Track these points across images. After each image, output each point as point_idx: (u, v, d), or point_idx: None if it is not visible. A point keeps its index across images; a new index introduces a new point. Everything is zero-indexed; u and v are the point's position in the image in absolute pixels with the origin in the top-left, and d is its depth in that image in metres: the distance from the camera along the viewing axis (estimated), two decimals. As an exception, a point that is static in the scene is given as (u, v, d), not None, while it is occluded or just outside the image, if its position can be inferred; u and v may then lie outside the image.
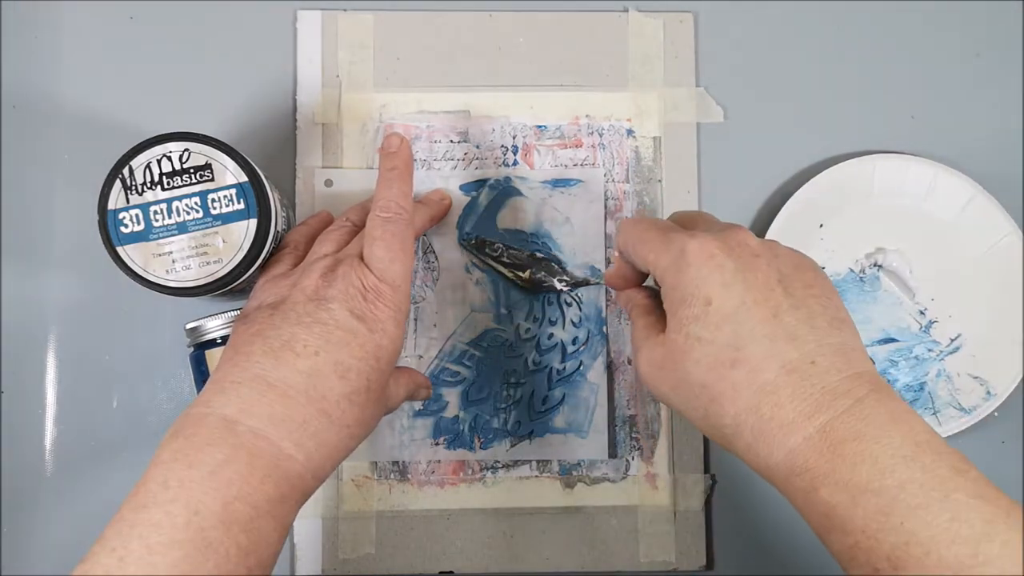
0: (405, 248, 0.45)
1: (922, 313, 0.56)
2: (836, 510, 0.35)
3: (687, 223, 0.44)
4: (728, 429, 0.38)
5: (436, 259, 0.55)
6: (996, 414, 0.56)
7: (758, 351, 0.37)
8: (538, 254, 0.55)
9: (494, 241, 0.55)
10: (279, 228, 0.49)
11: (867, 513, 0.34)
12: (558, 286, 0.54)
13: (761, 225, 0.56)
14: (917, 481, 0.34)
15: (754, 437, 0.37)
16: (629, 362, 0.55)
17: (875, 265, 0.56)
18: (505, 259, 0.54)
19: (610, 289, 0.55)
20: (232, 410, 0.39)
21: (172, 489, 0.36)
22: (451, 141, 0.56)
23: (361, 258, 0.45)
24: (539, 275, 0.54)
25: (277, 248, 0.49)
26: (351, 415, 0.42)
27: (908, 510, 0.33)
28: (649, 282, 0.47)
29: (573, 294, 0.55)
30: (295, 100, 0.56)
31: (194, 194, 0.46)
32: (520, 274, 0.54)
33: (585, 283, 0.55)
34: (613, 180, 0.56)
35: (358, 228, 0.49)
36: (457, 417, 0.55)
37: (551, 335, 0.55)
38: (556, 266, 0.55)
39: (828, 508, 0.35)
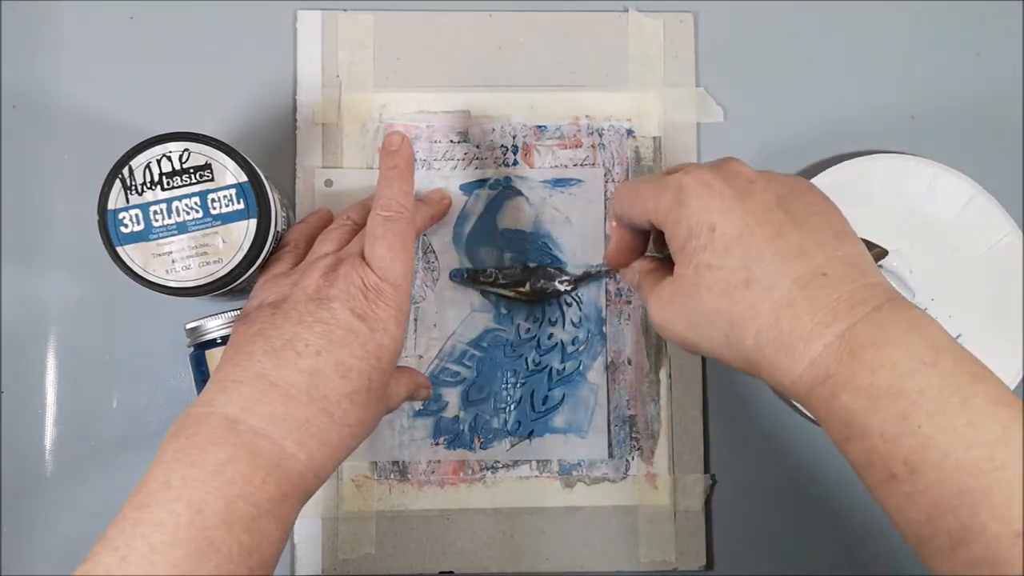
0: (406, 247, 0.45)
1: (922, 313, 0.56)
2: (855, 416, 0.35)
3: (674, 170, 0.44)
4: (750, 350, 0.39)
5: (436, 259, 0.55)
6: (996, 414, 0.56)
7: (769, 268, 0.38)
8: (531, 264, 0.55)
9: (484, 268, 0.55)
10: (279, 228, 0.49)
11: (886, 417, 0.34)
12: (561, 288, 0.54)
13: (761, 225, 0.56)
14: (936, 386, 0.34)
15: (776, 352, 0.38)
16: (629, 362, 0.55)
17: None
18: (501, 281, 0.54)
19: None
20: (234, 409, 0.39)
21: (175, 488, 0.36)
22: (451, 141, 0.56)
23: (362, 257, 0.45)
24: (539, 284, 0.54)
25: (277, 247, 0.49)
26: (352, 415, 0.42)
27: (926, 414, 0.34)
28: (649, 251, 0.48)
29: (573, 294, 0.55)
30: (295, 100, 0.56)
31: (194, 194, 0.46)
32: (521, 289, 0.54)
33: (587, 276, 0.55)
34: (613, 180, 0.56)
35: (359, 227, 0.49)
36: (457, 417, 0.55)
37: (551, 335, 0.55)
38: (553, 269, 0.55)
39: (848, 414, 0.36)
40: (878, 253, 0.47)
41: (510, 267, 0.55)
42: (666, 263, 0.46)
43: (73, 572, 0.35)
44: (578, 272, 0.55)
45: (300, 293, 0.44)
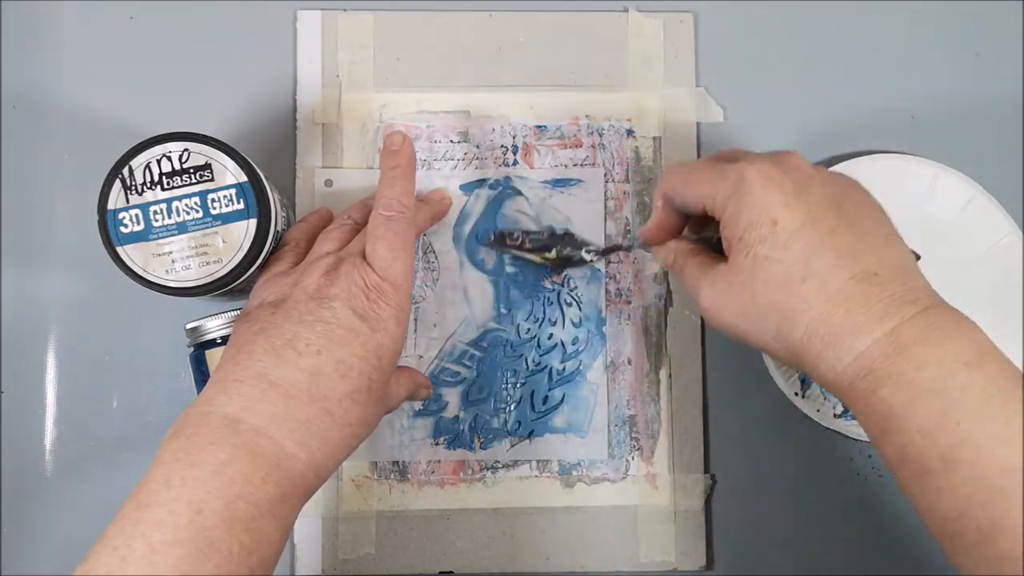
0: (407, 247, 0.45)
1: (922, 313, 0.56)
2: (894, 409, 0.36)
3: (731, 158, 0.44)
4: (798, 343, 0.39)
5: (436, 259, 0.55)
6: (996, 414, 0.56)
7: (826, 263, 0.39)
8: (557, 230, 0.55)
9: (512, 231, 0.55)
10: (279, 228, 0.49)
11: (926, 412, 0.35)
12: (587, 258, 0.54)
13: (761, 225, 0.56)
14: (978, 386, 0.35)
15: (824, 345, 0.38)
16: (629, 362, 0.55)
17: (875, 265, 0.56)
18: (528, 245, 0.54)
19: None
20: (234, 409, 0.39)
21: (175, 488, 0.36)
22: (451, 141, 0.56)
23: (363, 257, 0.45)
24: (565, 251, 0.54)
25: (277, 246, 0.49)
26: (353, 414, 0.42)
27: (966, 412, 0.35)
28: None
29: (573, 294, 0.55)
30: (295, 100, 0.56)
31: (194, 194, 0.46)
32: (547, 255, 0.54)
33: (615, 248, 0.55)
34: (613, 180, 0.56)
35: (359, 226, 0.49)
36: (457, 417, 0.55)
37: (551, 335, 0.55)
38: (580, 238, 0.55)
39: (887, 407, 0.36)
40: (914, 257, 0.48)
41: (538, 232, 0.55)
42: (707, 247, 0.46)
43: (73, 572, 0.35)
44: (607, 245, 0.55)
45: (301, 292, 0.44)
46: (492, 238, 0.55)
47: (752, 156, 0.43)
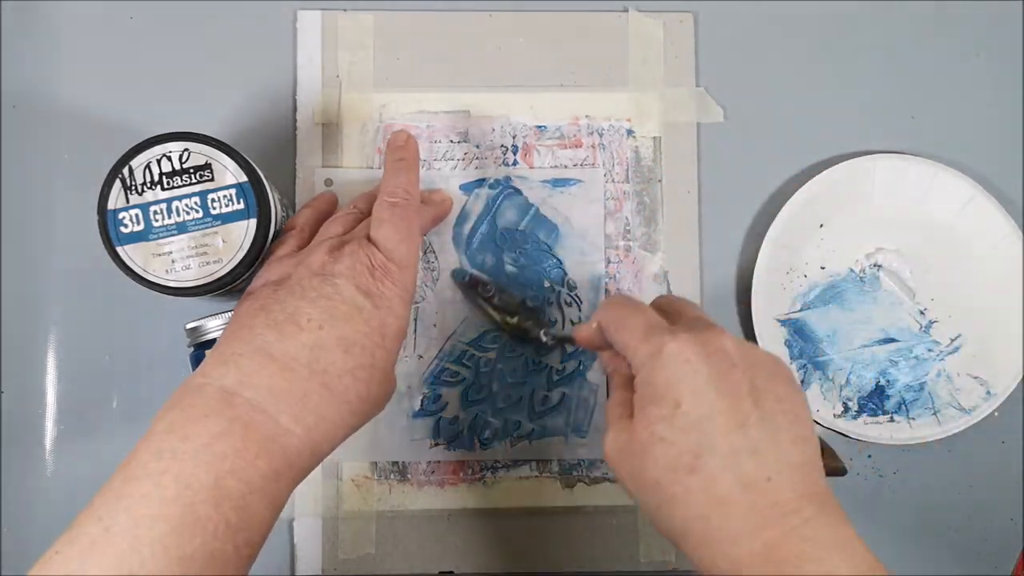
0: (412, 233, 0.45)
1: (922, 313, 0.56)
2: None
3: (671, 313, 0.43)
4: (676, 531, 0.38)
5: (436, 259, 0.55)
6: (996, 414, 0.56)
7: (718, 462, 0.37)
8: (529, 302, 0.55)
9: (487, 282, 0.54)
10: (279, 228, 0.49)
11: None
12: (543, 339, 0.53)
13: (761, 225, 0.56)
14: None
15: (699, 544, 0.37)
16: (629, 362, 0.55)
17: (875, 265, 0.56)
18: (496, 302, 0.54)
19: (611, 292, 0.55)
20: (231, 381, 0.38)
21: (164, 460, 0.36)
22: (451, 141, 0.56)
23: (369, 239, 0.45)
24: (526, 324, 0.54)
25: (282, 231, 0.49)
26: (354, 390, 0.41)
27: None
28: None
29: (573, 294, 0.55)
30: (295, 100, 0.56)
31: (194, 194, 0.46)
32: (508, 319, 0.54)
33: (568, 341, 0.54)
34: (613, 180, 0.56)
35: (365, 216, 0.49)
36: (457, 417, 0.55)
37: (551, 335, 0.55)
38: (545, 319, 0.55)
39: None
40: (836, 468, 0.46)
41: (509, 292, 0.55)
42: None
43: (58, 539, 0.35)
44: (564, 333, 0.54)
45: (304, 270, 0.43)
46: (467, 279, 0.55)
47: (682, 326, 0.40)
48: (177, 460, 0.36)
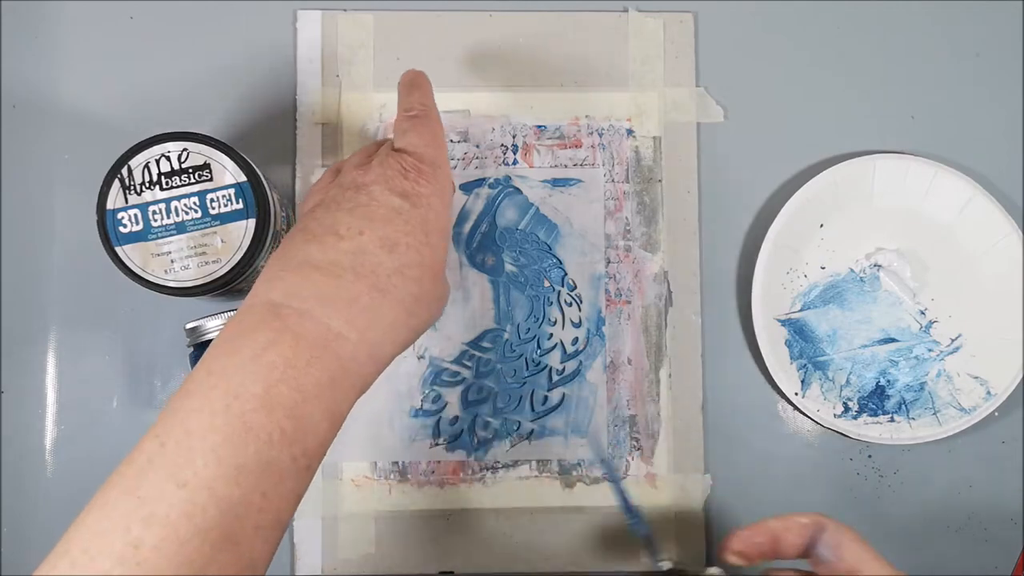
0: (437, 137, 0.44)
1: (922, 313, 0.56)
2: None
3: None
4: None
5: (436, 259, 0.55)
6: (996, 414, 0.56)
7: None
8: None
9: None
10: (278, 228, 0.49)
11: None
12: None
13: (761, 225, 0.56)
14: None
15: None
16: (629, 362, 0.55)
17: (875, 265, 0.56)
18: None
19: (611, 292, 0.55)
20: (277, 295, 0.38)
21: (215, 375, 0.35)
22: (451, 141, 0.56)
23: (395, 149, 0.44)
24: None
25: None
26: (405, 289, 0.40)
27: None
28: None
29: (573, 294, 0.55)
30: (295, 100, 0.56)
31: (193, 194, 0.46)
32: None
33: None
34: (613, 180, 0.56)
35: None
36: (457, 417, 0.55)
37: (551, 335, 0.55)
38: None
39: None
40: None
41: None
42: None
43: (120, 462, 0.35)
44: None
45: (336, 188, 0.42)
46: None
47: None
48: (226, 374, 0.35)
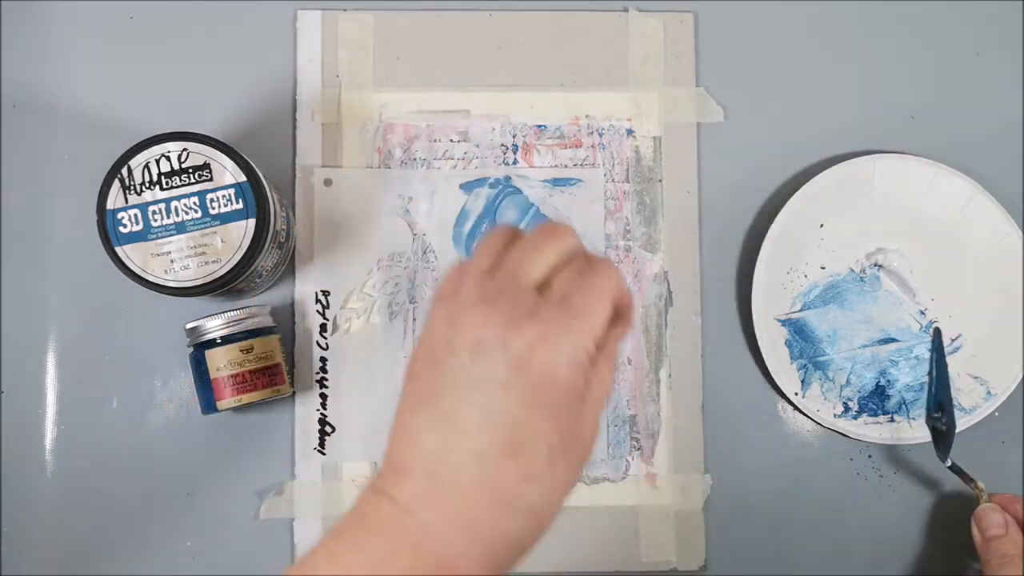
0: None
1: (922, 313, 0.56)
2: None
3: None
4: None
5: (436, 259, 0.55)
6: (996, 414, 0.56)
7: None
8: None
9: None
10: (278, 228, 0.49)
11: None
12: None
13: (761, 225, 0.56)
14: None
15: None
16: (629, 362, 0.55)
17: (875, 265, 0.56)
18: None
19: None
20: (403, 496, 0.35)
21: (334, 566, 0.34)
22: (451, 141, 0.56)
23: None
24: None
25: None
26: (532, 496, 0.36)
27: None
28: None
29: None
30: (295, 100, 0.56)
31: (193, 194, 0.46)
32: None
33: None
34: (613, 180, 0.56)
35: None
36: (457, 417, 0.55)
37: (551, 335, 0.55)
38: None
39: None
40: None
41: None
42: None
43: None
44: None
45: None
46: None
47: None
48: (347, 571, 0.34)
